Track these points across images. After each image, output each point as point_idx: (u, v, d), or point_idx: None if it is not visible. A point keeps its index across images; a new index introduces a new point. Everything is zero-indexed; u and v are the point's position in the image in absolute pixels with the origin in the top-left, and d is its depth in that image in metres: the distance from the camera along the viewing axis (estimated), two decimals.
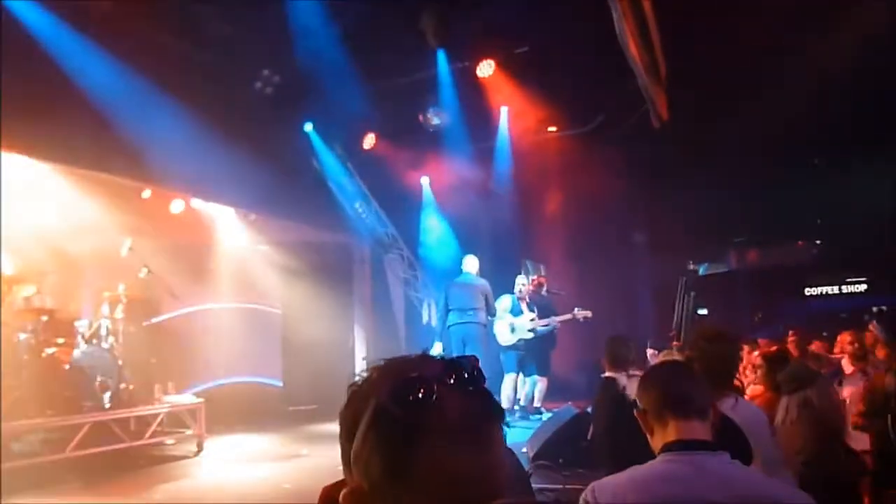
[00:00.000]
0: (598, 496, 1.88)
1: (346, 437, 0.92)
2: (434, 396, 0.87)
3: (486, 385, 0.94)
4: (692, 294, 8.15)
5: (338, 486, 0.97)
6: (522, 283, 9.22)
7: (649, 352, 7.58)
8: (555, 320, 9.12)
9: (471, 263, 8.93)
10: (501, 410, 0.93)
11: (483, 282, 8.83)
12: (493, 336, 8.96)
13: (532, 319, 8.94)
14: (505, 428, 0.92)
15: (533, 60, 9.18)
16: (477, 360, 0.94)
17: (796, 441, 3.28)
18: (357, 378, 0.95)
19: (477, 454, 0.87)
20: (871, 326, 7.31)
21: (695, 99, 9.19)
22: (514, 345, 8.86)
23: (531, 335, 8.91)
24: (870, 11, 8.00)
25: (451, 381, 0.90)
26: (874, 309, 14.42)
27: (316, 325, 10.45)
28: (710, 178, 10.66)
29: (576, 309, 9.21)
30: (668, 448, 1.92)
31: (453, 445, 0.86)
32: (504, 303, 9.00)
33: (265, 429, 9.06)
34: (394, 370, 0.92)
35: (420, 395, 0.87)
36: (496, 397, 0.93)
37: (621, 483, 1.90)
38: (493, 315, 8.81)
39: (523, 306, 9.05)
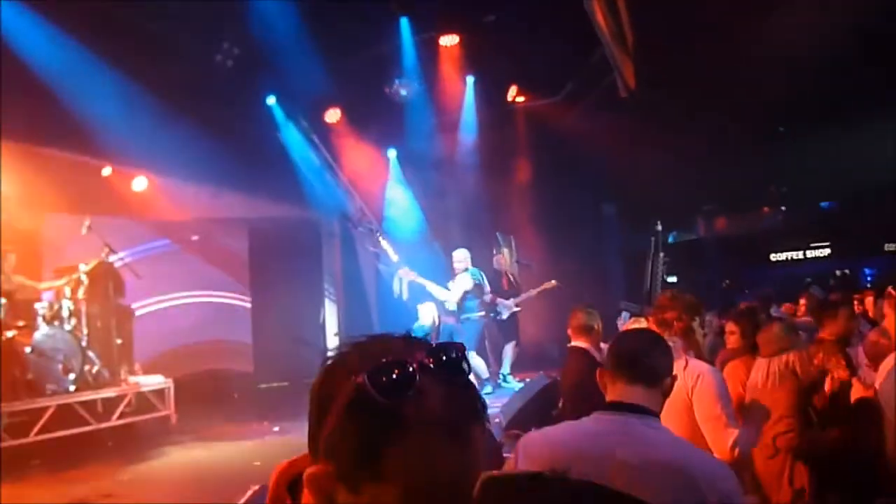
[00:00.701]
0: (528, 445, 2.00)
1: (316, 415, 0.87)
2: (417, 385, 0.82)
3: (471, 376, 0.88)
4: (661, 256, 8.19)
5: (294, 464, 0.93)
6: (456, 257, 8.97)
7: (620, 318, 7.61)
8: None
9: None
10: (485, 407, 0.88)
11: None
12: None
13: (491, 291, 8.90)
14: (486, 426, 0.87)
15: (499, 29, 9.07)
16: (464, 347, 0.88)
17: (778, 408, 3.25)
18: (333, 353, 0.89)
19: (454, 452, 0.83)
20: (811, 291, 7.40)
21: (662, 68, 9.19)
22: (464, 318, 8.75)
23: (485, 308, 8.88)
24: None
25: (436, 370, 0.84)
26: (837, 272, 14.80)
27: (286, 301, 10.35)
28: (677, 147, 10.71)
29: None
30: (603, 407, 2.00)
31: (431, 440, 0.82)
32: (463, 281, 8.80)
33: (236, 407, 9.01)
34: (376, 351, 0.86)
35: (402, 382, 0.81)
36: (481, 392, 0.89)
37: (549, 435, 2.01)
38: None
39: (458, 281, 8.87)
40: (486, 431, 0.87)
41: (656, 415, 1.97)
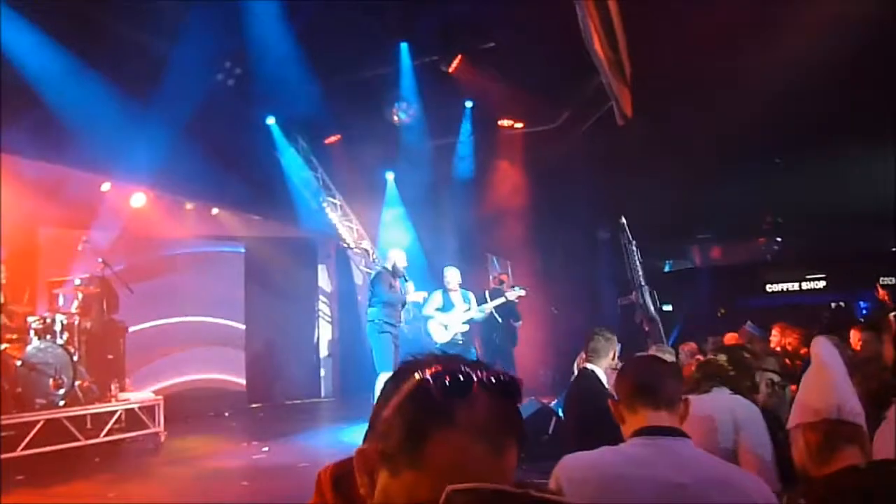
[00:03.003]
0: (569, 471, 2.00)
1: (381, 403, 0.98)
2: (472, 393, 0.93)
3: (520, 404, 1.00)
4: (633, 245, 8.23)
5: (340, 464, 1.07)
6: (452, 275, 8.76)
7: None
8: (486, 307, 8.94)
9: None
10: (525, 434, 0.98)
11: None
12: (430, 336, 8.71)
13: (467, 310, 8.67)
14: (522, 455, 0.97)
15: (498, 56, 9.19)
16: (521, 382, 0.99)
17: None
18: (411, 357, 1.01)
19: (490, 458, 0.92)
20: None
21: (660, 97, 9.28)
22: (450, 342, 8.59)
23: (466, 327, 8.68)
24: (832, 11, 8.13)
25: (492, 387, 0.95)
26: (832, 304, 14.82)
27: (280, 320, 10.34)
28: (674, 176, 10.78)
29: (510, 290, 9.17)
30: (637, 433, 2.04)
31: (472, 441, 0.91)
32: (434, 301, 8.70)
33: (226, 426, 8.94)
34: (446, 360, 0.98)
35: (459, 387, 0.93)
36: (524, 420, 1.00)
37: (591, 460, 2.02)
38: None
39: (455, 298, 8.72)
40: (520, 454, 0.98)
41: (688, 436, 2.03)
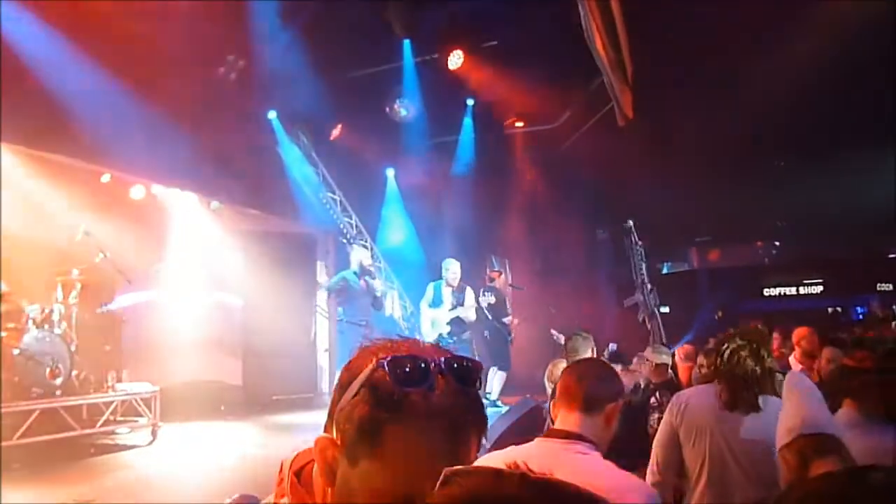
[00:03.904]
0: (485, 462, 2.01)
1: (339, 391, 0.96)
2: (429, 381, 0.91)
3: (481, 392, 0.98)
4: (639, 244, 8.30)
5: (301, 455, 1.04)
6: (451, 268, 8.73)
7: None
8: (461, 310, 8.80)
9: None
10: (485, 421, 0.96)
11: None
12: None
13: (451, 309, 8.61)
14: (483, 441, 0.96)
15: (500, 55, 9.21)
16: (481, 366, 0.97)
17: None
18: (367, 342, 1.00)
19: (448, 447, 0.90)
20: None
21: (660, 98, 9.30)
22: (436, 340, 8.64)
23: (448, 328, 8.60)
24: (836, 18, 8.14)
25: (451, 374, 0.93)
26: (829, 310, 14.84)
27: (277, 316, 10.33)
28: (674, 178, 10.81)
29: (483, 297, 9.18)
30: (544, 434, 2.15)
31: (429, 430, 0.90)
32: (427, 295, 8.68)
33: (222, 419, 8.95)
34: (403, 347, 0.96)
35: (417, 375, 0.91)
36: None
37: (499, 456, 2.02)
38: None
39: (446, 294, 8.66)
40: (480, 443, 0.96)
41: (591, 441, 2.04)
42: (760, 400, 2.74)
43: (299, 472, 1.03)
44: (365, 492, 0.90)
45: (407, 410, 0.89)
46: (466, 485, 0.71)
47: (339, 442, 0.93)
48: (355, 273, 8.36)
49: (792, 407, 1.86)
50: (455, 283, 8.59)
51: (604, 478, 1.89)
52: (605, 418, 2.09)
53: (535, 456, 1.94)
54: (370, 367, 0.93)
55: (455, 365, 0.94)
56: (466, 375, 0.94)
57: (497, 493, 0.69)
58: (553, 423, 2.18)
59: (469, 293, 8.69)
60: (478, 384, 0.96)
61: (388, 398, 0.90)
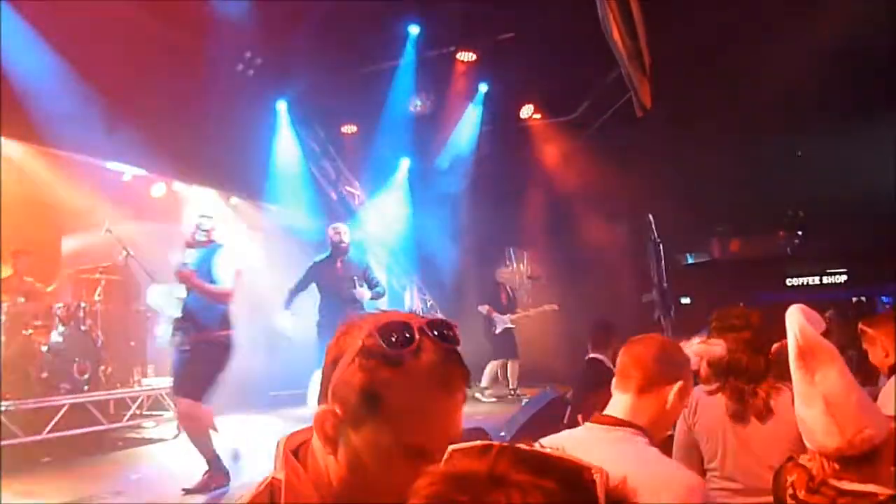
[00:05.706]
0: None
1: (330, 367, 1.05)
2: (416, 342, 1.01)
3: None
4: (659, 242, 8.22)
5: (296, 434, 1.14)
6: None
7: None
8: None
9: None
10: (468, 373, 1.05)
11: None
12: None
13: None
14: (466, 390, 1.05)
15: (516, 47, 9.16)
16: (457, 325, 1.08)
17: None
18: (349, 320, 1.08)
19: (442, 398, 1.01)
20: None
21: (679, 88, 9.21)
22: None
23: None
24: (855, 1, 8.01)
25: (434, 336, 1.03)
26: (853, 300, 14.60)
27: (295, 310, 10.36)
28: (694, 167, 10.72)
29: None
30: (593, 419, 2.01)
31: (424, 385, 1.00)
32: None
33: (246, 412, 9.04)
34: (385, 317, 1.05)
35: (405, 338, 1.01)
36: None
37: (558, 440, 1.97)
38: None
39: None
40: (465, 393, 1.06)
41: (639, 427, 1.91)
42: (772, 403, 2.63)
43: (296, 451, 1.11)
44: (372, 451, 1.00)
45: (402, 370, 0.99)
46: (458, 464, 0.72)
47: (338, 411, 1.01)
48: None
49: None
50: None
51: (645, 466, 1.77)
52: (660, 402, 1.94)
53: (574, 443, 1.86)
54: (361, 337, 1.02)
55: (435, 326, 1.04)
56: (447, 334, 1.04)
57: (476, 470, 0.69)
58: None
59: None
60: (457, 339, 1.05)
61: (384, 361, 1.00)
